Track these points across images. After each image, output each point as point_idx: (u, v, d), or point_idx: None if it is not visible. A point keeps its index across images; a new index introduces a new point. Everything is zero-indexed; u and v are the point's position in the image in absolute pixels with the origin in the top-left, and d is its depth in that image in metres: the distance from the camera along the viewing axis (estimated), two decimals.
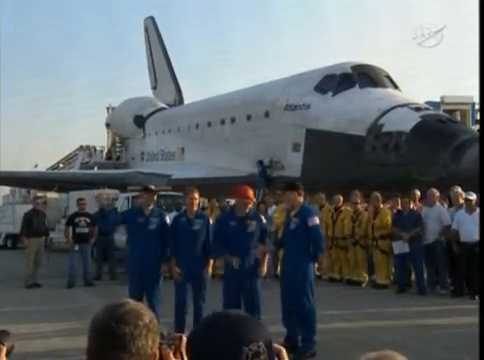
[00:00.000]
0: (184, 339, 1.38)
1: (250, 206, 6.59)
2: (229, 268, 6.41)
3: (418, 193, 10.48)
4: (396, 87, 14.96)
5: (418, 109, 13.14)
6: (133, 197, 13.64)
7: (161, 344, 1.36)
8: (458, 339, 6.30)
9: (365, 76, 14.67)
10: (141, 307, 1.38)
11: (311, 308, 5.97)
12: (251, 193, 6.65)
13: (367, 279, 10.74)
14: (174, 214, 6.79)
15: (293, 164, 14.97)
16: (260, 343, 1.21)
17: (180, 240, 6.56)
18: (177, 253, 6.59)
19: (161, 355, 1.36)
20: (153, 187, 7.22)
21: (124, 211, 7.26)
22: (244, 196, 6.49)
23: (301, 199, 6.21)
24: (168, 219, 6.92)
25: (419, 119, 12.54)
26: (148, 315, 1.36)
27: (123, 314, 1.32)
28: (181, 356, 1.37)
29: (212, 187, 15.33)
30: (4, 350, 1.37)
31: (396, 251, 9.99)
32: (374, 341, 5.97)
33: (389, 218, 10.37)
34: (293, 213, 6.17)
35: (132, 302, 1.38)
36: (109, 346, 1.30)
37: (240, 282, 6.31)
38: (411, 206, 10.14)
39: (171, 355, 1.37)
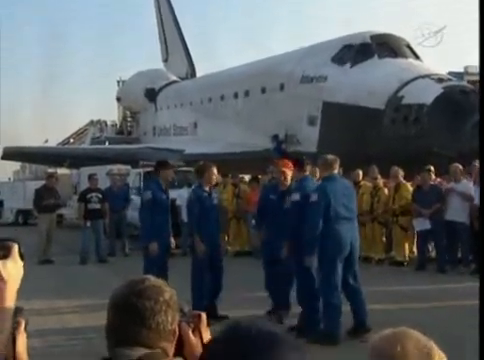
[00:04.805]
0: (203, 317, 1.40)
1: (287, 175, 6.54)
2: (266, 248, 6.46)
3: (432, 169, 10.37)
4: (417, 57, 14.69)
5: (440, 80, 12.92)
6: (146, 173, 13.67)
7: (180, 321, 1.38)
8: (477, 317, 6.30)
9: (385, 46, 14.43)
10: (162, 283, 1.39)
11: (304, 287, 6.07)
12: (285, 163, 6.70)
13: (384, 256, 10.73)
14: (191, 189, 6.85)
15: (309, 138, 14.87)
16: None
17: (204, 215, 6.62)
18: (201, 228, 6.63)
19: (180, 332, 1.37)
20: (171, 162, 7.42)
21: (148, 189, 7.12)
22: (279, 164, 6.72)
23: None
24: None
25: (441, 90, 12.34)
26: (168, 291, 1.37)
27: (143, 289, 1.34)
28: (200, 334, 1.39)
29: (226, 163, 15.32)
30: (23, 324, 1.39)
31: (417, 228, 9.97)
32: (391, 319, 5.98)
33: (410, 194, 10.30)
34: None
35: (152, 278, 1.40)
36: (128, 321, 1.32)
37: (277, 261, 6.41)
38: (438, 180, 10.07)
39: (190, 333, 1.39)
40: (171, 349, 1.37)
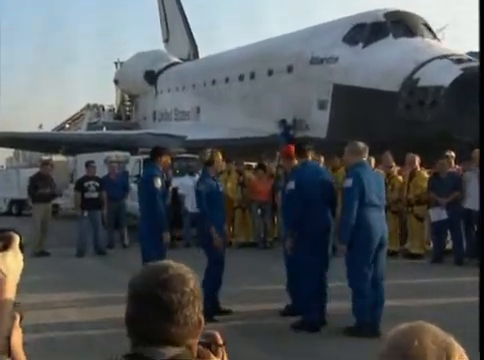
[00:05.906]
0: (218, 336, 1.39)
1: (290, 162, 6.56)
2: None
3: (453, 155, 10.32)
4: (435, 36, 14.59)
5: (459, 61, 12.81)
6: (146, 160, 13.64)
7: (198, 343, 1.36)
8: None
9: (400, 24, 14.32)
10: (185, 270, 1.36)
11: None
12: (286, 149, 6.73)
13: (398, 248, 10.72)
14: (196, 177, 6.88)
15: (319, 123, 14.82)
16: None
17: (212, 203, 6.64)
18: (212, 218, 6.64)
19: (198, 355, 1.36)
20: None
21: (156, 177, 7.04)
22: (281, 153, 6.97)
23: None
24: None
25: (460, 72, 12.24)
26: (193, 279, 1.35)
27: (168, 279, 1.31)
28: (222, 355, 1.39)
29: (230, 149, 15.32)
30: (18, 318, 1.39)
31: (434, 219, 9.93)
32: (406, 314, 5.99)
33: (426, 182, 10.26)
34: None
35: (174, 264, 1.36)
36: (153, 315, 1.29)
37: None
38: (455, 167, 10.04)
39: (212, 356, 1.38)
40: (195, 346, 1.35)
